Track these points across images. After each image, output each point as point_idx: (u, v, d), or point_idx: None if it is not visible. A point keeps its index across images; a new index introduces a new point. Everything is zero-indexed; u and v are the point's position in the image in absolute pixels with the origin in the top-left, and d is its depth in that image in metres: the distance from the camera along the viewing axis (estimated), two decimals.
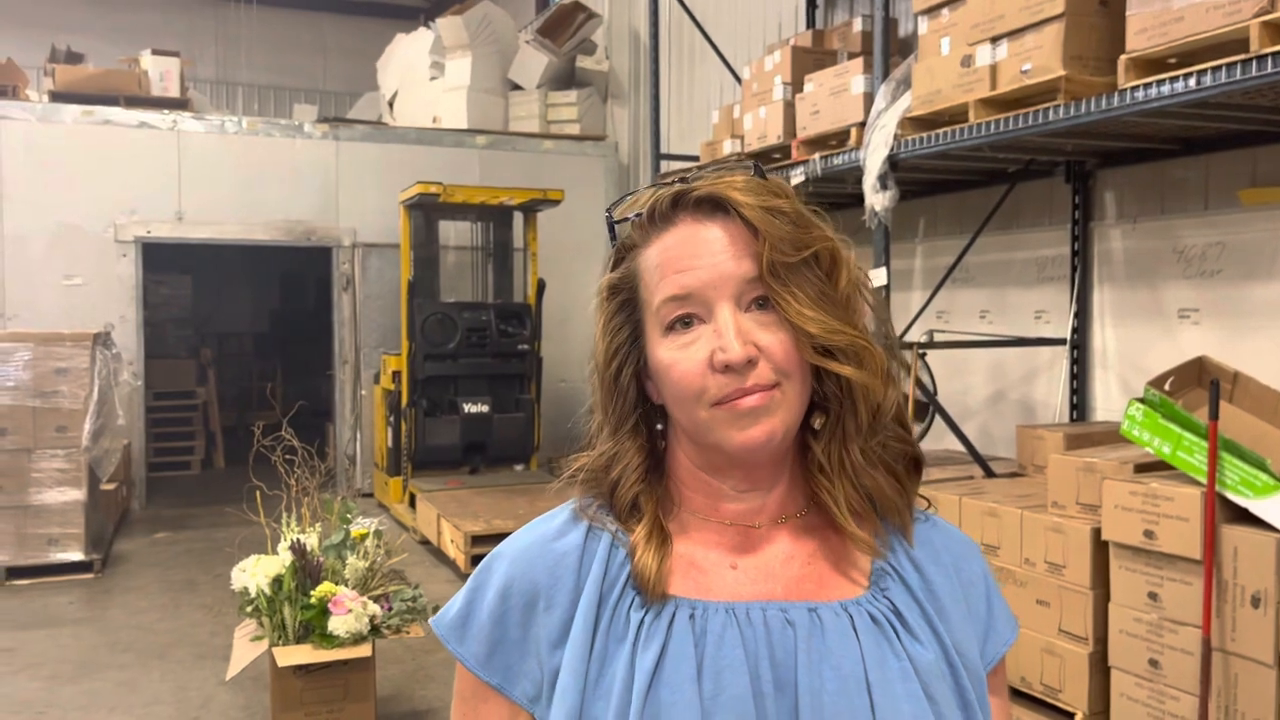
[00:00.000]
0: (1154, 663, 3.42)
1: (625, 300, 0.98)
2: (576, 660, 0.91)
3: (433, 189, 7.31)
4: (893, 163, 4.50)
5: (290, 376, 11.79)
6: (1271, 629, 3.06)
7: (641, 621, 0.92)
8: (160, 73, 8.50)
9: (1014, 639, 1.03)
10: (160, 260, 9.60)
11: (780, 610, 0.92)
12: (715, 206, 0.93)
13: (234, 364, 12.66)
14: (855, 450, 0.95)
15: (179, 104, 8.56)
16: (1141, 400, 3.46)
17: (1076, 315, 4.99)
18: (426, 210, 7.82)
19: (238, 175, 8.36)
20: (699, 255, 0.92)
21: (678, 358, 0.92)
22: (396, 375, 7.77)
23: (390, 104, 10.35)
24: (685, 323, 0.92)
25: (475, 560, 6.01)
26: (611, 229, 1.01)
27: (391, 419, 7.85)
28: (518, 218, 8.27)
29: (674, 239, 0.94)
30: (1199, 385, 3.51)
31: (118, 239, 8.05)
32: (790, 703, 0.89)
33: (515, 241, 8.38)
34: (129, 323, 8.07)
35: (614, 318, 0.98)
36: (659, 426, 1.00)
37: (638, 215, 0.98)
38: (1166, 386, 3.49)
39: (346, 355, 8.78)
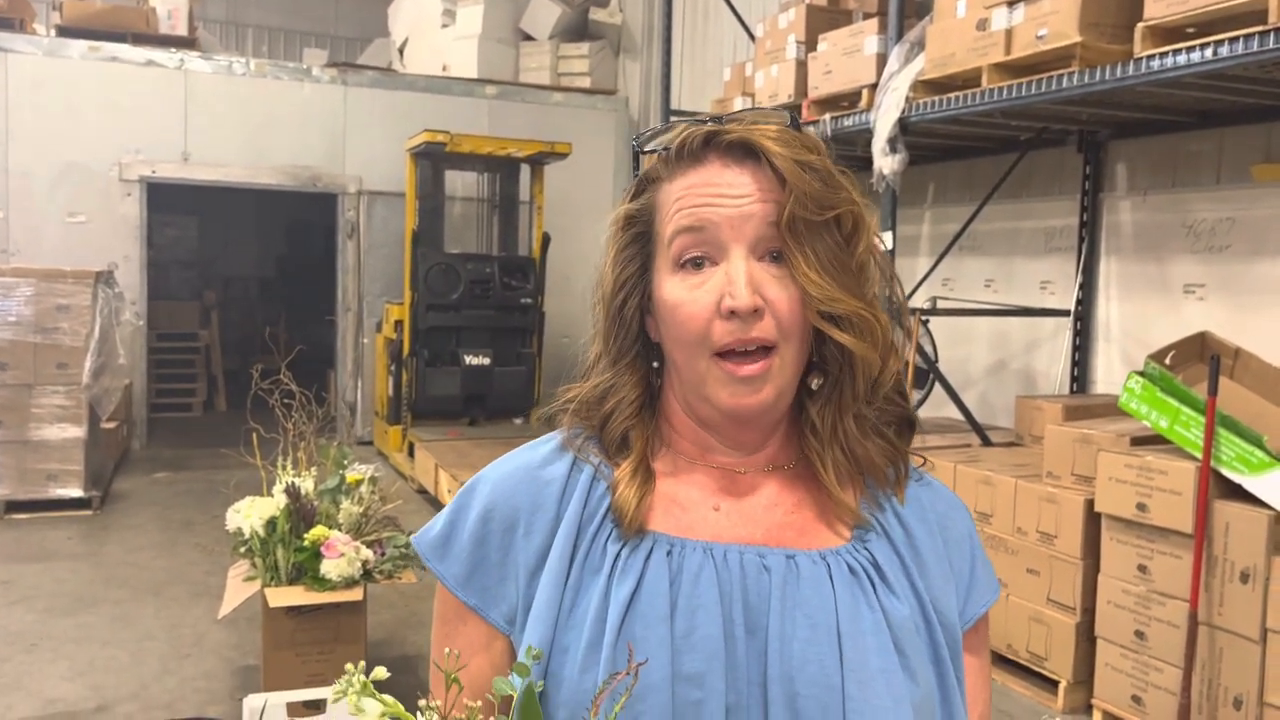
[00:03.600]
0: (1140, 634, 3.44)
1: (640, 233, 0.97)
2: (551, 589, 0.92)
3: (439, 138, 7.25)
4: (903, 126, 4.45)
5: (293, 322, 11.78)
6: (1259, 605, 3.07)
7: (618, 554, 0.92)
8: (169, 10, 8.42)
9: (994, 600, 1.02)
10: (167, 201, 9.57)
11: (758, 554, 0.92)
12: (747, 152, 0.91)
13: (238, 308, 12.66)
14: (849, 418, 0.95)
15: (187, 43, 8.48)
16: (1141, 373, 3.45)
17: (1082, 287, 4.96)
18: (433, 159, 7.77)
19: (245, 118, 8.29)
20: (723, 195, 0.90)
21: (685, 298, 0.91)
22: (399, 324, 7.77)
23: (401, 51, 10.25)
24: (696, 263, 0.91)
25: None
26: (636, 159, 0.99)
27: (393, 368, 7.85)
28: (524, 170, 8.22)
29: (700, 177, 0.92)
30: (1200, 360, 3.49)
31: (122, 178, 8.02)
32: (760, 646, 0.89)
33: (521, 194, 8.34)
34: (132, 262, 8.05)
35: (626, 248, 0.97)
36: (655, 365, 0.99)
37: (666, 149, 0.96)
38: (1167, 361, 3.48)
39: (349, 303, 8.77)
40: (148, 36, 8.27)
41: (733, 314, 0.88)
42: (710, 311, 0.89)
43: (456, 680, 0.81)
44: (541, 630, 0.90)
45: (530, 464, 0.99)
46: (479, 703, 0.80)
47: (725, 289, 0.89)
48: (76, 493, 6.20)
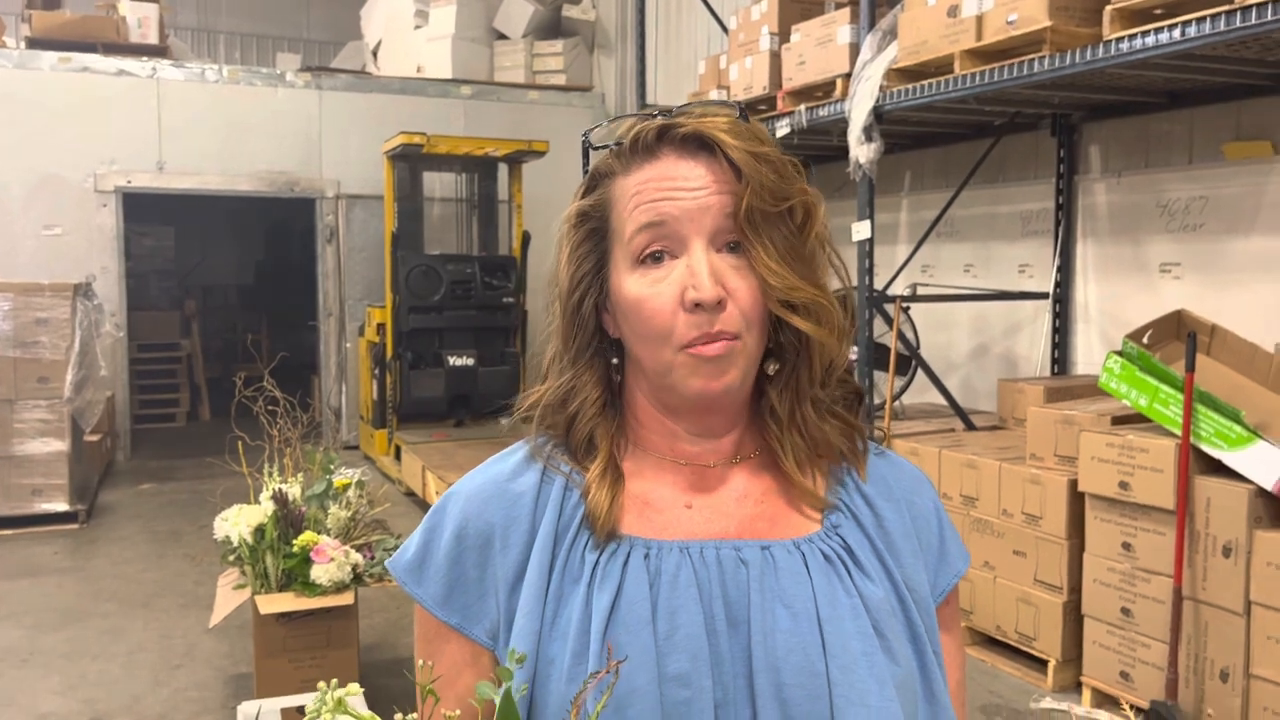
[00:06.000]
0: (1126, 611, 3.47)
1: (594, 229, 0.96)
2: (532, 601, 0.92)
3: (416, 139, 7.24)
4: (878, 114, 4.48)
5: (275, 329, 11.74)
6: (1242, 578, 3.11)
7: (596, 562, 0.92)
8: (139, 19, 8.36)
9: (964, 570, 1.03)
10: (142, 211, 9.51)
11: (734, 549, 0.93)
12: (701, 145, 0.91)
13: (219, 316, 12.60)
14: (806, 402, 0.96)
15: (158, 51, 8.42)
16: (1120, 353, 3.48)
17: (1059, 269, 5.00)
18: (410, 161, 7.75)
19: (219, 125, 8.25)
20: (679, 188, 0.90)
21: (648, 293, 0.91)
22: (381, 328, 7.75)
23: (374, 53, 10.20)
24: (656, 258, 0.91)
25: None
26: (586, 154, 0.99)
27: (376, 371, 7.84)
28: (502, 169, 8.21)
29: (655, 171, 0.92)
30: (1177, 338, 3.53)
31: (98, 189, 7.97)
32: (743, 640, 0.90)
33: (500, 193, 8.32)
34: (110, 274, 8.00)
35: (580, 245, 0.97)
36: (614, 361, 0.99)
37: (618, 143, 0.96)
38: (1145, 340, 3.51)
39: (330, 307, 8.74)
40: (118, 46, 8.22)
41: (697, 306, 0.88)
42: (674, 305, 0.90)
43: (432, 692, 0.80)
44: (527, 643, 0.90)
45: (500, 477, 0.98)
46: (458, 711, 0.79)
47: (688, 282, 0.89)
48: (62, 507, 6.17)
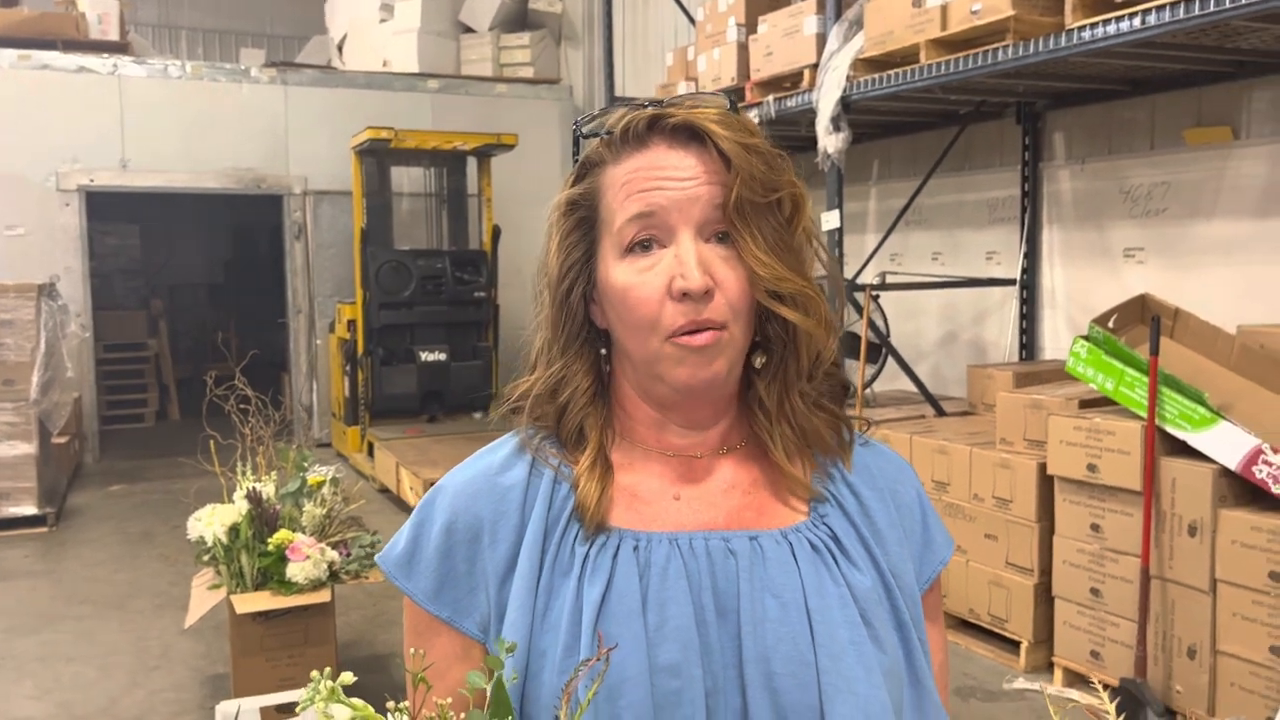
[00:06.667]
0: (1095, 591, 3.53)
1: (583, 218, 0.97)
2: (524, 594, 0.92)
3: (384, 134, 7.20)
4: (845, 104, 4.51)
5: (244, 327, 11.63)
6: (1208, 557, 3.17)
7: (587, 555, 0.93)
8: (98, 15, 8.24)
9: (949, 557, 1.05)
10: (106, 210, 9.39)
11: (722, 539, 0.94)
12: (691, 135, 0.92)
13: (187, 315, 12.47)
14: (794, 393, 0.97)
15: (119, 48, 8.31)
16: (1086, 338, 3.54)
17: (1026, 256, 5.05)
18: (378, 156, 7.71)
19: (183, 122, 8.16)
20: (669, 177, 0.91)
21: (635, 282, 0.91)
22: (351, 324, 7.71)
23: (339, 48, 10.13)
24: (645, 246, 0.92)
25: None
26: (577, 143, 1.00)
27: (348, 368, 7.79)
28: (471, 163, 8.18)
29: (645, 160, 0.92)
30: (1141, 322, 3.59)
31: (60, 188, 7.86)
32: (733, 630, 0.91)
33: (469, 187, 8.30)
34: (75, 273, 7.91)
35: (570, 234, 0.97)
36: (603, 351, 0.99)
37: (608, 133, 0.96)
38: (1110, 324, 3.56)
39: (300, 304, 8.68)
40: (78, 43, 8.10)
41: (685, 296, 0.89)
42: (661, 294, 0.90)
43: (424, 679, 0.80)
44: (519, 636, 0.91)
45: (489, 470, 0.99)
46: (449, 700, 0.79)
47: (676, 271, 0.89)
48: (30, 510, 6.10)
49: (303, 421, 8.74)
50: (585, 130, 1.00)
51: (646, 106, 0.95)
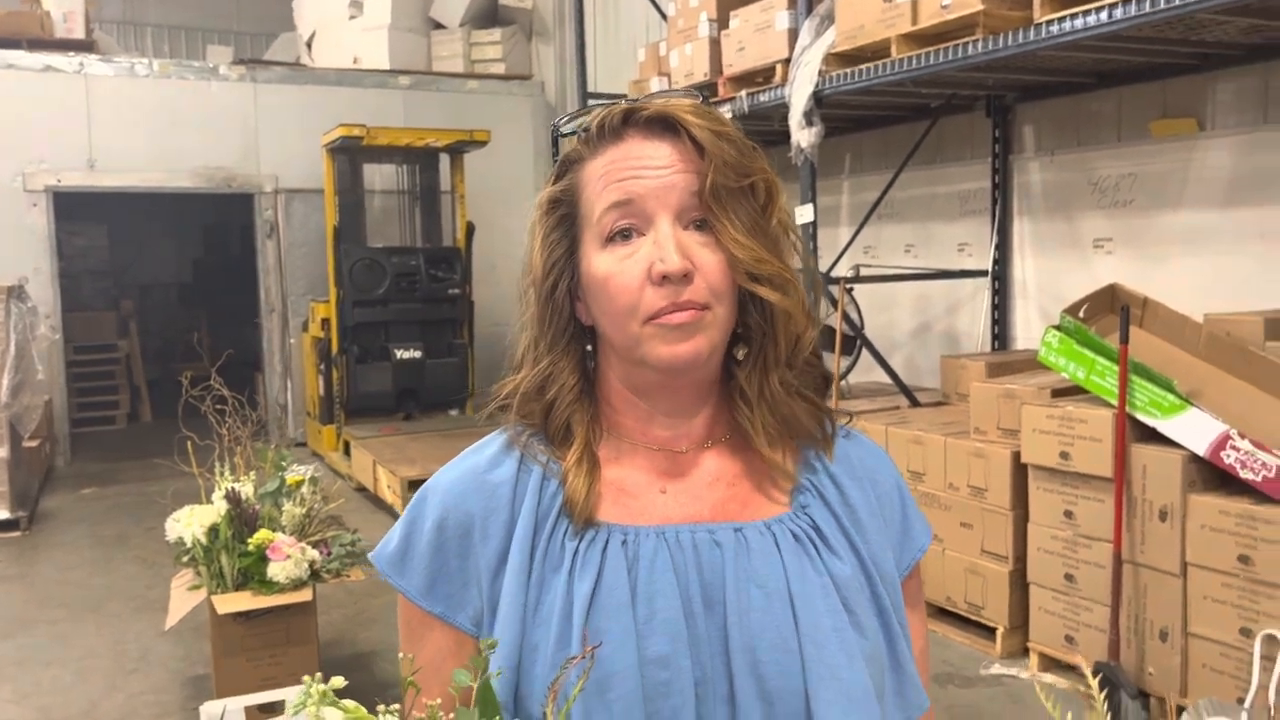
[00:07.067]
0: (1069, 577, 3.59)
1: (565, 215, 0.99)
2: (515, 589, 0.94)
3: (355, 131, 7.17)
4: (818, 99, 4.53)
5: (216, 327, 11.54)
6: (1178, 540, 3.23)
7: (576, 550, 0.94)
8: (64, 13, 8.15)
9: (928, 544, 1.07)
10: (74, 210, 9.29)
11: (708, 532, 0.96)
12: (665, 126, 0.94)
13: (157, 315, 12.35)
14: (775, 380, 0.98)
15: (84, 46, 8.23)
16: (1057, 327, 3.59)
17: (997, 247, 5.11)
18: (350, 154, 7.68)
19: (152, 121, 8.09)
20: (645, 166, 0.93)
21: (616, 270, 0.93)
22: (325, 323, 7.68)
23: (308, 45, 10.05)
24: (624, 235, 0.94)
25: None
26: (556, 143, 1.02)
27: (322, 367, 7.76)
28: (444, 160, 8.16)
29: (621, 152, 0.95)
30: (1111, 312, 3.64)
31: (27, 188, 7.77)
32: (719, 620, 0.93)
33: (442, 184, 8.28)
34: (43, 275, 7.82)
35: (553, 232, 0.99)
36: (588, 348, 1.01)
37: (585, 130, 0.98)
38: (1081, 314, 3.62)
39: (273, 303, 8.63)
40: (44, 41, 8.01)
41: (664, 279, 0.90)
42: (641, 280, 0.91)
43: (414, 684, 0.82)
44: (511, 630, 0.92)
45: (478, 468, 1.00)
46: (439, 700, 0.80)
47: (655, 255, 0.91)
48: (3, 514, 6.04)
49: (278, 421, 8.69)
50: (564, 128, 1.02)
51: (620, 103, 0.97)
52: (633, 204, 0.93)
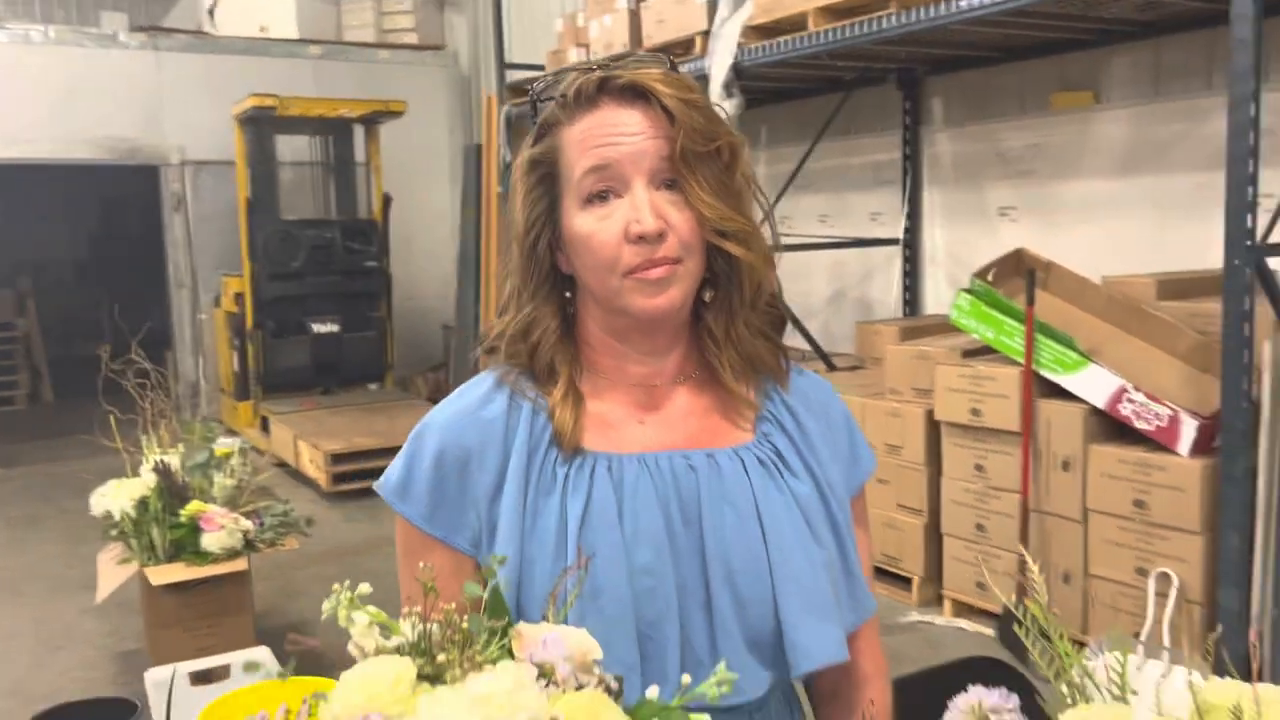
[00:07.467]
0: (980, 527, 3.79)
1: (545, 174, 1.07)
2: (512, 511, 1.03)
3: (268, 102, 7.03)
4: (737, 70, 4.63)
5: (119, 303, 11.18)
6: (1080, 489, 3.45)
7: (567, 475, 1.04)
8: None
9: (873, 469, 1.20)
10: None
11: (684, 457, 1.07)
12: (637, 94, 1.02)
13: (55, 293, 11.92)
14: (739, 322, 1.09)
15: None
16: (968, 291, 3.77)
17: (908, 216, 5.30)
18: (261, 124, 7.52)
19: (47, 90, 7.78)
20: (621, 134, 1.01)
21: (596, 229, 1.02)
22: (239, 297, 7.54)
23: (210, 12, 9.76)
24: (602, 196, 1.02)
25: (338, 479, 6.00)
26: (534, 107, 1.09)
27: (236, 342, 7.63)
28: (358, 131, 8.05)
29: (597, 119, 1.03)
30: (1017, 275, 3.83)
31: None
32: (697, 535, 1.05)
33: (356, 156, 8.17)
34: None
35: (533, 190, 1.07)
36: (568, 294, 1.11)
37: (562, 96, 1.06)
38: (989, 277, 3.80)
39: (182, 279, 8.43)
40: None
41: (640, 238, 1.00)
42: (619, 238, 1.01)
43: (433, 589, 0.90)
44: (510, 547, 1.02)
45: (471, 406, 1.09)
46: (454, 605, 0.87)
47: (631, 217, 1.00)
48: None
49: (189, 398, 8.51)
50: (542, 95, 1.09)
51: (594, 70, 1.05)
52: (609, 169, 1.01)
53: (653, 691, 0.80)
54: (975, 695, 0.77)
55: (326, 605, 0.84)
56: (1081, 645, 3.25)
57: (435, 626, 0.78)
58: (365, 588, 0.86)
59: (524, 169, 1.08)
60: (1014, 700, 0.77)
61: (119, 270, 11.83)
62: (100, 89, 7.95)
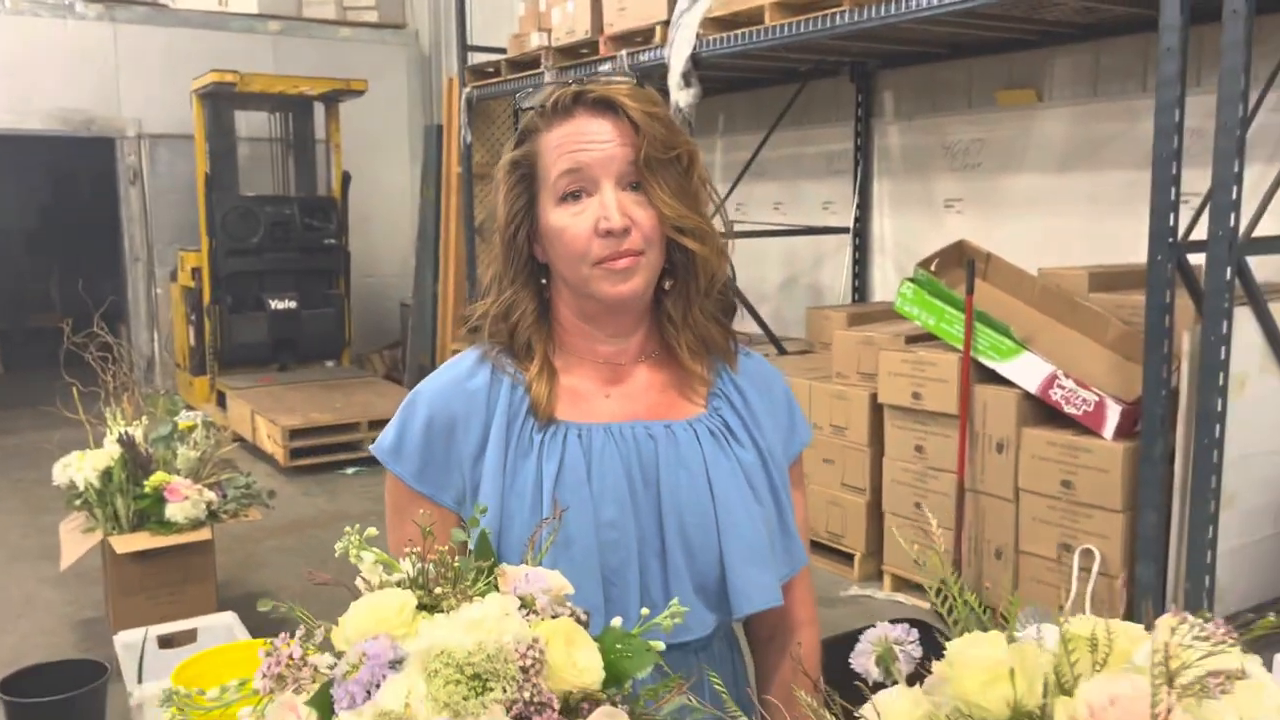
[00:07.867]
0: (919, 505, 3.98)
1: (524, 174, 1.22)
2: (494, 471, 1.18)
3: (228, 77, 7.03)
4: (695, 61, 4.76)
5: (70, 276, 11.05)
6: (1012, 469, 3.64)
7: (542, 440, 1.19)
8: None
9: (809, 440, 1.37)
10: None
11: (644, 427, 1.23)
12: (607, 107, 1.18)
13: (3, 264, 11.76)
14: (695, 308, 1.25)
15: None
16: (912, 280, 3.94)
17: (859, 206, 5.47)
18: (221, 100, 7.51)
19: (1, 60, 7.70)
20: (592, 141, 1.16)
21: (569, 224, 1.17)
22: (196, 272, 7.54)
23: None
24: (575, 195, 1.17)
25: (295, 454, 6.07)
26: (516, 115, 1.24)
27: (193, 318, 7.64)
28: (318, 109, 8.06)
29: (572, 128, 1.18)
30: (959, 266, 4.01)
31: None
32: (654, 494, 1.21)
33: (316, 133, 8.18)
34: None
35: (514, 188, 1.22)
36: (544, 281, 1.25)
37: (541, 106, 1.21)
38: (933, 267, 3.98)
39: (138, 253, 8.39)
40: None
41: (608, 233, 1.15)
42: (589, 232, 1.16)
43: (430, 532, 1.03)
44: (492, 501, 1.17)
45: (458, 377, 1.24)
46: (447, 547, 1.02)
47: (600, 214, 1.15)
48: None
49: (143, 372, 8.48)
50: (524, 105, 1.25)
51: (570, 85, 1.20)
52: (582, 171, 1.16)
53: (616, 621, 0.94)
54: (881, 629, 0.91)
55: (339, 545, 0.97)
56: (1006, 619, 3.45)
57: (431, 566, 0.91)
58: (373, 530, 0.99)
59: (506, 169, 1.23)
60: (914, 633, 0.91)
61: (72, 242, 11.69)
62: (56, 61, 7.88)
